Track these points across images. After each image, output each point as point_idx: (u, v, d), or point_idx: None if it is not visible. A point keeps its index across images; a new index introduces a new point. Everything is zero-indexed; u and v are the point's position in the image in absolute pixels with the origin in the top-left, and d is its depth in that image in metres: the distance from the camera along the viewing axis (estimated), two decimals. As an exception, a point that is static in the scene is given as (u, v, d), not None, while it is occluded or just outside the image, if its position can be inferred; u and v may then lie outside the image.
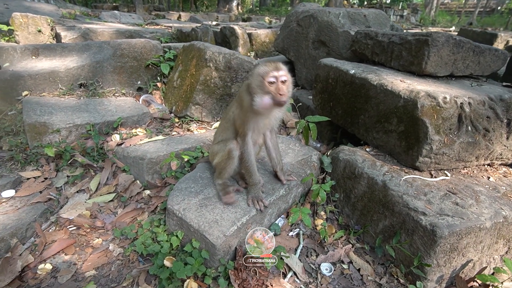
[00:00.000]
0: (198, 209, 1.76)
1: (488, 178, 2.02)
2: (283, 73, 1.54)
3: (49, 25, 5.03)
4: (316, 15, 3.39)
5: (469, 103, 1.94)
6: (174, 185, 2.27)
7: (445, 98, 1.88)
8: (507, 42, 6.86)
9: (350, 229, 2.02)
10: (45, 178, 2.43)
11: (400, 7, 22.87)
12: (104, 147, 2.69)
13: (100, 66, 3.41)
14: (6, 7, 6.02)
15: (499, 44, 6.84)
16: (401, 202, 1.71)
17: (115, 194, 2.34)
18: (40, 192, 2.31)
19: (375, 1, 24.25)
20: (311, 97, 3.15)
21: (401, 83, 2.09)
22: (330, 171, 2.21)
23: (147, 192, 2.36)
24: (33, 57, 3.48)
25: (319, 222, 2.09)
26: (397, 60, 2.48)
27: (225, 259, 1.64)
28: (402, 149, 2.02)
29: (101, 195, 2.33)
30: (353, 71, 2.42)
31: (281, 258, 1.73)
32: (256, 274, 1.66)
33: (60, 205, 2.24)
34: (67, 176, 2.47)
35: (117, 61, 3.48)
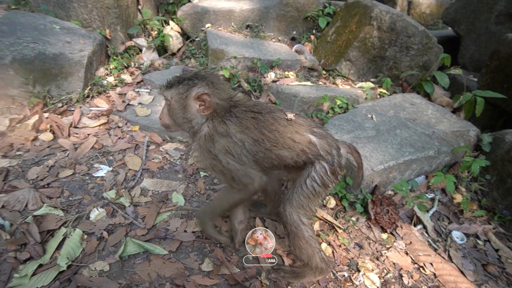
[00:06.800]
0: (348, 144, 1.97)
1: None
2: None
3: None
4: (514, -17, 2.90)
5: None
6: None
7: None
8: None
9: (495, 212, 1.92)
10: (217, 94, 3.06)
11: None
12: (261, 81, 3.14)
13: (266, 12, 3.82)
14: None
15: None
16: None
17: (266, 119, 2.78)
18: (213, 103, 2.94)
19: None
20: (474, 77, 2.86)
21: None
22: (487, 151, 2.08)
23: (292, 125, 2.71)
24: (216, -4, 4.13)
25: (457, 196, 2.05)
26: None
27: (365, 190, 1.85)
28: None
29: (256, 117, 2.80)
30: (555, 51, 2.08)
31: (423, 204, 1.82)
32: (388, 213, 1.82)
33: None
34: (232, 96, 3.03)
35: (281, 9, 3.82)
